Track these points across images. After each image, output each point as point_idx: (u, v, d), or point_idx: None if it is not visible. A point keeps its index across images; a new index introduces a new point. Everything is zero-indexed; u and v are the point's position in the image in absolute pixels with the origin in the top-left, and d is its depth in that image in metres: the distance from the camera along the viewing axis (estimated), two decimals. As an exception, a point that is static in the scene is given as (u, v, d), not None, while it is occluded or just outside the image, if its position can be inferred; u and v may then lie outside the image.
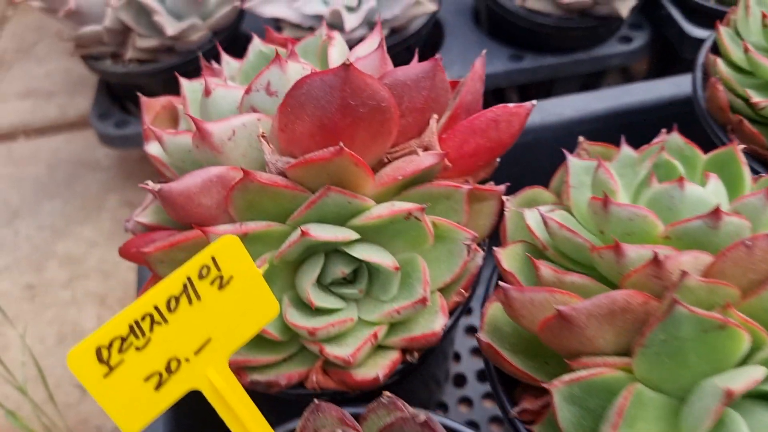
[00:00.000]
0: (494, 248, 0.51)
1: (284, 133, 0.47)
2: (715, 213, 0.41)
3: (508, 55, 0.94)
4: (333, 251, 0.50)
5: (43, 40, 1.35)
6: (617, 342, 0.41)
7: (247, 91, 0.50)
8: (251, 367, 0.48)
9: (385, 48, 0.51)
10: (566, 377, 0.41)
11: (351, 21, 0.78)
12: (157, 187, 0.48)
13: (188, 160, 0.53)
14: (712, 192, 0.46)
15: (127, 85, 0.92)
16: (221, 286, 0.40)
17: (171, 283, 0.39)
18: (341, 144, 0.44)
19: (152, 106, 0.61)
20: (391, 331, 0.50)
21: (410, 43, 0.86)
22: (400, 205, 0.48)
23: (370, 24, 0.82)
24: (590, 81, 1.02)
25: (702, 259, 0.41)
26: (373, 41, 0.55)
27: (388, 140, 0.49)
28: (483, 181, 0.58)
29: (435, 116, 0.51)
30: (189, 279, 0.39)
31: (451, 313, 0.51)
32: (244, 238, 0.47)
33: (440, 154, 0.49)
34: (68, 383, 0.88)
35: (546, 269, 0.46)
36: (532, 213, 0.52)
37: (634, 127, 0.79)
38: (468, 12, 1.01)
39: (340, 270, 0.49)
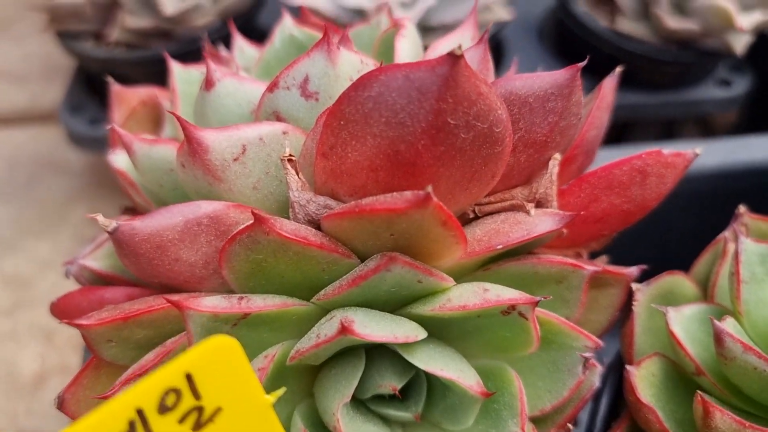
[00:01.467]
0: (627, 367, 0.33)
1: (327, 160, 0.29)
2: None
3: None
4: (379, 348, 0.32)
5: (24, 18, 1.17)
6: None
7: (271, 88, 0.32)
8: None
9: (488, 45, 0.33)
10: None
11: (403, 20, 0.60)
12: (111, 225, 0.30)
13: (168, 185, 0.35)
14: None
15: (108, 74, 0.74)
16: (198, 426, 0.22)
17: (106, 418, 0.21)
18: (429, 189, 0.25)
19: (126, 98, 0.43)
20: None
21: (468, 59, 0.68)
22: (497, 293, 0.30)
23: (425, 28, 0.65)
24: (667, 130, 0.85)
25: None
26: (466, 32, 0.38)
27: (487, 186, 0.31)
28: (593, 255, 0.40)
29: (557, 156, 0.33)
30: (141, 414, 0.21)
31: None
32: (243, 321, 0.29)
33: (563, 216, 0.31)
34: (-10, 443, 0.69)
35: (725, 417, 0.29)
36: (679, 316, 0.34)
37: (755, 191, 0.61)
38: (533, 28, 0.84)
39: (389, 383, 0.31)
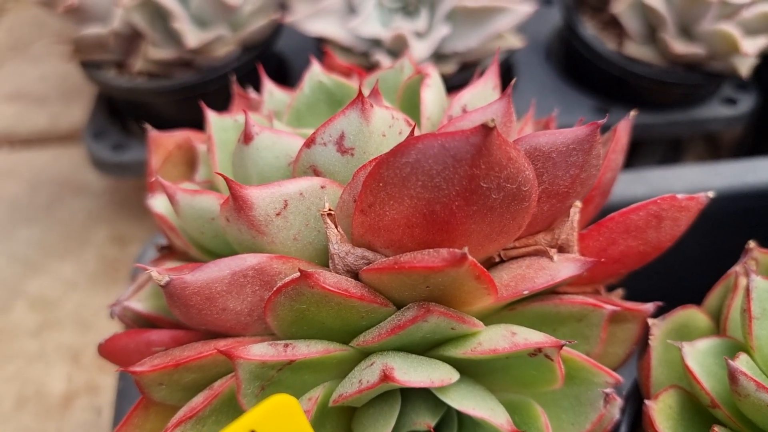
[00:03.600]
0: (646, 402, 0.35)
1: (365, 216, 0.31)
2: None
3: (591, 106, 0.79)
4: (415, 389, 0.34)
5: (41, 39, 1.19)
6: None
7: (308, 143, 0.34)
8: None
9: (511, 98, 0.35)
10: None
11: (419, 50, 0.62)
12: (164, 279, 0.32)
13: (209, 232, 0.37)
14: None
15: (131, 102, 0.76)
16: None
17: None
18: (465, 250, 0.28)
19: (163, 143, 0.45)
20: None
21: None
22: (525, 337, 0.32)
23: (438, 56, 0.67)
24: (674, 147, 0.87)
25: None
26: (487, 83, 0.40)
27: (514, 236, 0.33)
28: (609, 288, 0.42)
29: (578, 204, 0.35)
30: None
31: (571, 489, 0.35)
32: (288, 366, 0.31)
33: (585, 262, 0.33)
34: (23, 463, 0.71)
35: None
36: (693, 351, 0.36)
37: (762, 212, 0.64)
38: (541, 48, 0.86)
39: (424, 421, 0.33)
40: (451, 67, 0.68)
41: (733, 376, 0.33)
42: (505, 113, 0.35)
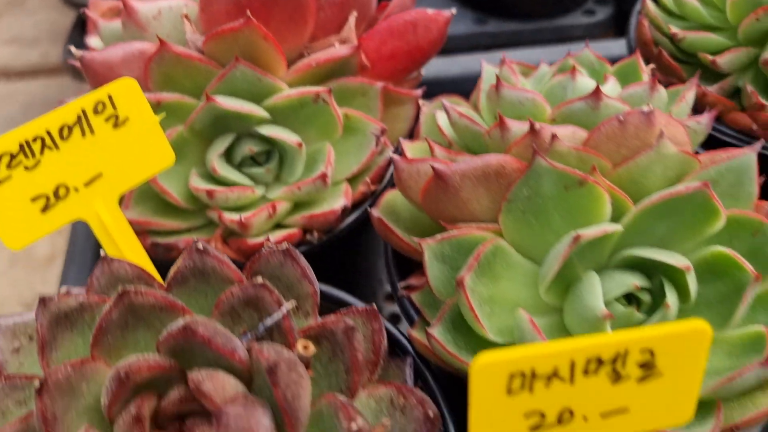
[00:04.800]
0: (401, 139, 0.52)
1: (204, 13, 0.49)
2: (596, 94, 0.43)
3: (473, 18, 0.97)
4: (245, 132, 0.52)
5: (36, -5, 1.39)
6: (492, 209, 0.43)
7: (177, -23, 0.53)
8: (154, 230, 0.50)
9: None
10: (438, 236, 0.42)
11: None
12: (79, 53, 0.50)
13: (116, 39, 0.55)
14: (607, 88, 0.48)
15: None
16: (116, 125, 0.42)
17: (65, 112, 0.41)
18: (248, 12, 0.46)
19: (99, 6, 0.63)
20: (293, 211, 0.51)
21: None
22: (309, 88, 0.50)
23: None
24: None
25: (579, 134, 0.43)
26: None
27: (304, 30, 0.51)
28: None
29: (354, 13, 0.53)
30: (84, 111, 0.41)
31: (360, 204, 0.53)
32: (158, 107, 0.49)
33: (354, 46, 0.51)
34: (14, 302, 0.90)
35: (439, 149, 0.48)
36: (442, 113, 0.54)
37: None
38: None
39: (249, 147, 0.51)
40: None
41: (447, 111, 0.50)
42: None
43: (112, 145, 0.42)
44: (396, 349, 0.45)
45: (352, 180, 0.53)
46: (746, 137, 0.57)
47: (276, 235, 0.49)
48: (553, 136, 0.41)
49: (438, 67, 0.81)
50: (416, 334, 0.43)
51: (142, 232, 0.50)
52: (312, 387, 0.36)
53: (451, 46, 0.88)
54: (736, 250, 0.41)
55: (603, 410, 0.33)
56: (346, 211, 0.51)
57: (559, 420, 0.32)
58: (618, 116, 0.42)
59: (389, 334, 0.44)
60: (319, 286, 0.40)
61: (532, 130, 0.42)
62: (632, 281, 0.40)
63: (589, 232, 0.38)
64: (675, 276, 0.40)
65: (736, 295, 0.39)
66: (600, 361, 0.31)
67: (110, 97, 0.41)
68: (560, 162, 0.40)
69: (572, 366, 0.31)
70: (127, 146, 0.42)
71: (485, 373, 0.29)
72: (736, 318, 0.39)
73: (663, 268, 0.40)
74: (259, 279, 0.36)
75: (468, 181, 0.42)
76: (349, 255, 0.61)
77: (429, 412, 0.36)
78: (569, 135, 0.42)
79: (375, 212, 0.48)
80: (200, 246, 0.38)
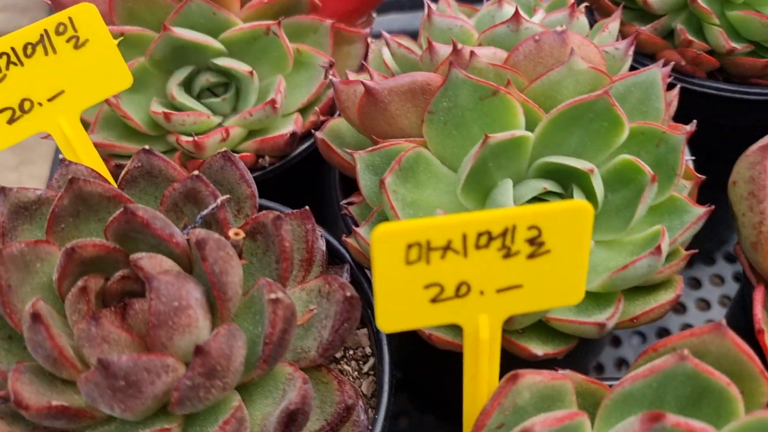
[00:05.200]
0: (347, 71, 0.56)
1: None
2: (515, 17, 0.47)
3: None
4: (203, 65, 0.56)
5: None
6: (420, 124, 0.46)
7: None
8: (117, 154, 0.54)
9: None
10: (369, 148, 0.46)
11: None
12: (47, -10, 0.54)
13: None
14: (534, 18, 0.51)
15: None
16: (77, 47, 0.46)
17: (29, 32, 0.45)
18: (200, -54, 0.50)
19: None
20: (248, 137, 0.55)
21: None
22: (260, 22, 0.54)
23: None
24: None
25: (500, 54, 0.47)
26: None
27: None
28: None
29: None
30: (46, 31, 0.45)
31: (309, 134, 0.57)
32: (122, 39, 0.53)
33: (306, -18, 0.55)
34: None
35: (376, 74, 0.52)
36: (387, 49, 0.58)
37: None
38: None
39: (206, 78, 0.55)
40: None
41: (387, 43, 0.54)
42: None
43: (73, 64, 0.45)
44: (336, 258, 0.49)
45: (304, 111, 0.57)
46: (677, 74, 0.60)
47: (229, 157, 0.53)
48: (472, 53, 0.44)
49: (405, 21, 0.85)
50: (350, 240, 0.47)
51: (106, 156, 0.54)
52: (247, 277, 0.41)
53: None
54: (643, 160, 0.44)
55: (498, 286, 0.36)
56: (295, 137, 0.55)
57: (458, 293, 0.36)
58: (534, 36, 0.45)
59: (330, 245, 0.49)
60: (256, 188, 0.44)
61: (455, 50, 0.45)
62: (542, 185, 0.44)
63: (499, 136, 0.42)
64: (584, 182, 0.44)
65: (637, 197, 0.43)
66: (490, 236, 0.35)
67: (71, 20, 0.45)
68: (480, 77, 0.44)
69: (464, 239, 0.34)
70: (87, 66, 0.46)
71: (384, 242, 0.33)
72: (637, 218, 0.43)
73: (574, 175, 0.44)
74: (196, 172, 0.40)
75: (396, 97, 0.46)
76: (305, 183, 0.65)
77: (347, 293, 0.40)
78: (490, 55, 0.46)
79: (319, 134, 0.52)
80: (147, 147, 0.42)
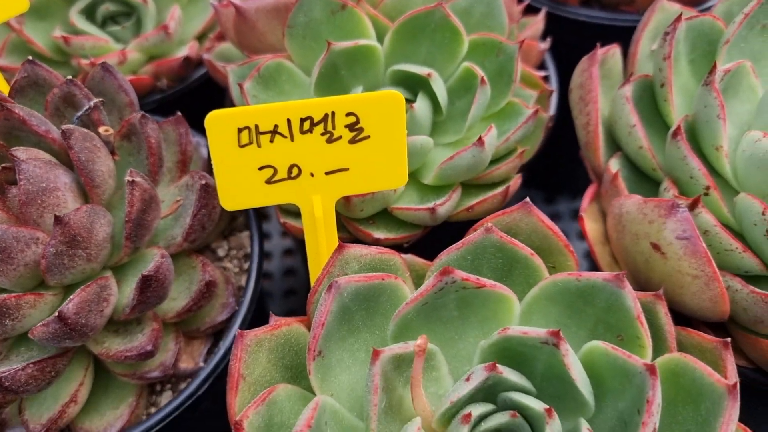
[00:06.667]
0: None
1: None
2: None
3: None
4: (105, -3, 0.61)
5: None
6: (287, 41, 0.51)
7: None
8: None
9: None
10: (240, 62, 0.51)
11: None
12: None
13: None
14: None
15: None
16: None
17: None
18: None
19: None
20: (147, 62, 0.60)
21: None
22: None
23: None
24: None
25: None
26: None
27: None
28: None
29: None
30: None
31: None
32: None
33: None
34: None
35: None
36: None
37: None
38: None
39: (106, 6, 0.60)
40: None
41: None
42: None
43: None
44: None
45: (201, 39, 0.62)
46: (553, 3, 0.65)
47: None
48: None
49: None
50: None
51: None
52: (121, 172, 0.46)
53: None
54: (485, 70, 0.49)
55: (326, 168, 0.41)
56: (190, 61, 0.60)
57: (290, 175, 0.41)
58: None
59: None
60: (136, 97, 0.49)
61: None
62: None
63: (342, 44, 0.47)
64: (428, 87, 0.49)
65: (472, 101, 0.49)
66: (312, 121, 0.40)
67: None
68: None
69: (289, 124, 0.40)
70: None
71: (216, 125, 0.39)
72: (471, 119, 0.48)
73: (420, 82, 0.49)
74: (69, 77, 0.45)
75: (262, 15, 0.51)
76: (205, 107, 0.69)
77: (205, 182, 0.45)
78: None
79: (206, 55, 0.57)
80: (31, 57, 0.47)
